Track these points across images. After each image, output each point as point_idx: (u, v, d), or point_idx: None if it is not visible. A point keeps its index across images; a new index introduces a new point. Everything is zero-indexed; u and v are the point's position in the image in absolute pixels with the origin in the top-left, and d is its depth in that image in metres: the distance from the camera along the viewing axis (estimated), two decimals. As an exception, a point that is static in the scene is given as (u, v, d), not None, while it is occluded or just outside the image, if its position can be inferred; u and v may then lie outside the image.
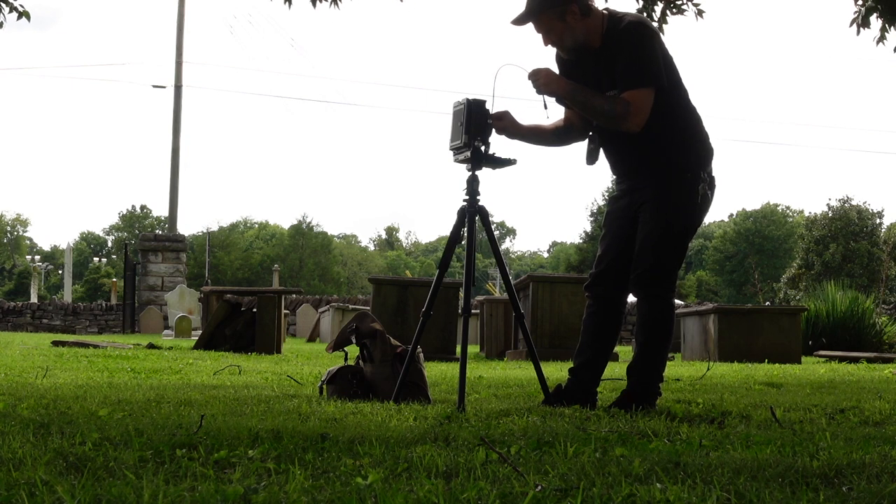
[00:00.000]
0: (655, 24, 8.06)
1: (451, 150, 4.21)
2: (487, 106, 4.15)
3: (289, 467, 2.42)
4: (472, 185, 4.20)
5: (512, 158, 4.22)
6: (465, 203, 4.21)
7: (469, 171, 4.20)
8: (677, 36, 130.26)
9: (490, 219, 4.26)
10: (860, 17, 7.77)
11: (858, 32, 7.79)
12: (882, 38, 7.76)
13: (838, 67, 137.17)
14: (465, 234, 4.20)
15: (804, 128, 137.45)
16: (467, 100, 4.15)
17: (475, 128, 4.13)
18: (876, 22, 7.78)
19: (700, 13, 8.02)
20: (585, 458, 2.58)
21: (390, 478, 2.32)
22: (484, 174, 4.22)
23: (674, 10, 7.98)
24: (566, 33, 4.16)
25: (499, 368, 8.41)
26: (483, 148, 4.15)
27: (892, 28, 7.81)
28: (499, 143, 4.22)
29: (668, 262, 4.16)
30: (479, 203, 4.20)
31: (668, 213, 4.16)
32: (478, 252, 4.40)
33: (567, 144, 4.41)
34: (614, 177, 4.44)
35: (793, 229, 67.26)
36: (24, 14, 7.32)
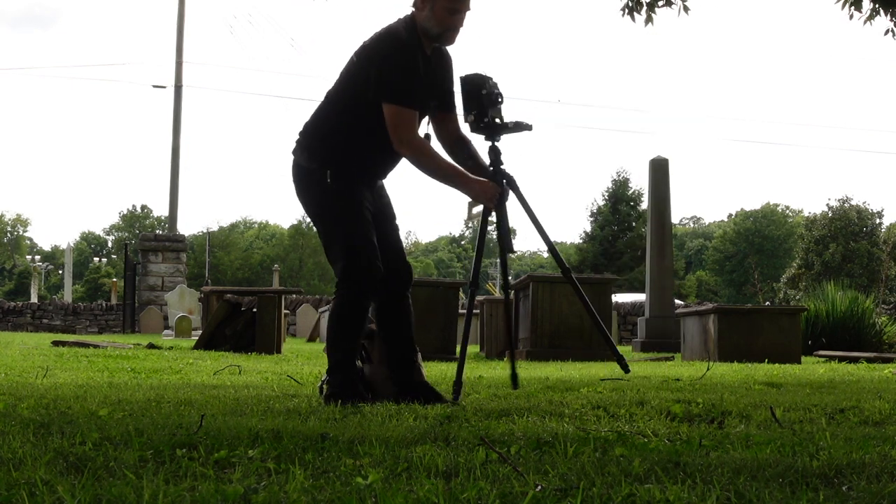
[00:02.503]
0: (643, 17, 8.11)
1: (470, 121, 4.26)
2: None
3: (289, 467, 2.42)
4: (496, 155, 4.26)
5: (528, 123, 4.27)
6: (490, 172, 4.27)
7: (487, 141, 4.26)
8: (677, 35, 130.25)
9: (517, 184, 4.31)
10: (849, 0, 7.82)
11: (851, 16, 7.83)
12: (870, 18, 7.81)
13: (838, 67, 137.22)
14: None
15: (804, 128, 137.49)
16: (478, 74, 4.22)
17: (487, 101, 4.19)
18: (868, 5, 7.83)
19: (686, 9, 8.05)
20: (585, 458, 2.58)
21: (390, 478, 2.32)
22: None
23: (661, 1, 8.01)
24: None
25: (499, 368, 8.42)
26: (497, 120, 4.22)
27: (885, 13, 7.84)
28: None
29: None
30: (505, 171, 4.26)
31: None
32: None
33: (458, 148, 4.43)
34: (372, 177, 4.41)
35: (793, 229, 67.27)
36: None
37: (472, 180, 4.20)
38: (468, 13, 4.21)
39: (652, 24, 8.06)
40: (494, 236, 4.39)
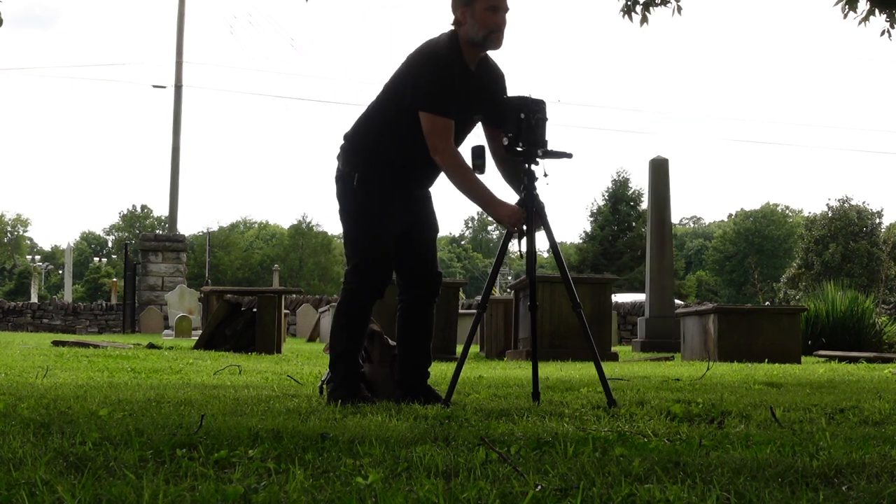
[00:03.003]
0: (637, 17, 8.14)
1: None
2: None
3: (289, 467, 2.43)
4: (530, 179, 4.25)
5: (567, 151, 4.27)
6: (522, 196, 4.27)
7: (524, 164, 4.26)
8: (677, 35, 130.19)
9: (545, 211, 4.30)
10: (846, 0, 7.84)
11: (845, 16, 7.84)
12: (866, 19, 7.83)
13: (838, 67, 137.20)
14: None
15: (804, 128, 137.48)
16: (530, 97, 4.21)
17: (525, 125, 4.20)
18: (864, 5, 7.83)
19: (679, 9, 8.06)
20: (585, 458, 2.58)
21: (390, 478, 2.32)
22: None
23: (659, 1, 8.03)
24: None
25: (499, 368, 8.42)
26: (535, 146, 4.22)
27: (879, 13, 7.85)
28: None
29: None
30: (537, 196, 4.26)
31: None
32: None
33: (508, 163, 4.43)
34: (407, 186, 4.41)
35: (792, 229, 67.28)
36: None
37: (497, 203, 4.23)
38: (508, 13, 4.21)
39: (647, 23, 8.06)
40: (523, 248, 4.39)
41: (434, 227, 4.53)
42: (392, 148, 4.30)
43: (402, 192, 4.37)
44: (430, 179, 4.46)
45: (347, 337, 4.31)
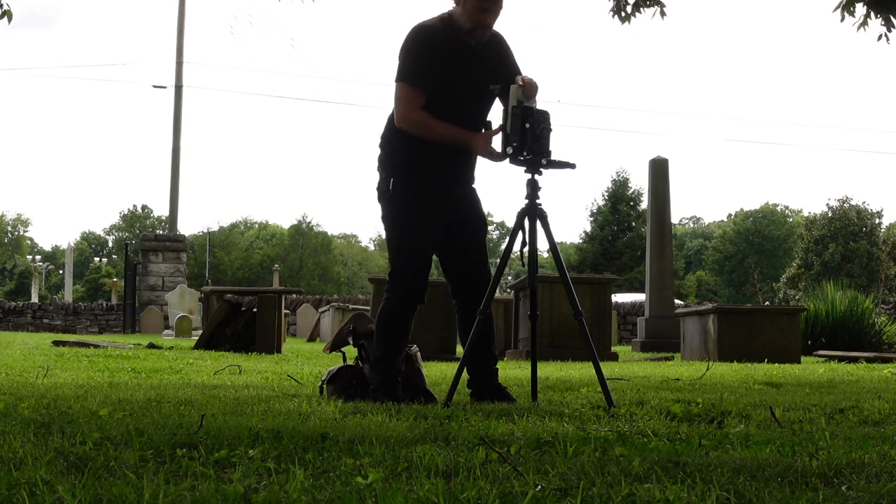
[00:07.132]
0: (624, 16, 8.17)
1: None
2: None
3: (289, 467, 2.43)
4: (533, 189, 4.27)
5: (571, 162, 4.27)
6: (525, 205, 4.30)
7: (526, 174, 4.28)
8: (677, 35, 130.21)
9: (547, 220, 4.33)
10: (842, 4, 7.84)
11: (843, 19, 7.85)
12: (864, 24, 7.84)
13: (837, 67, 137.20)
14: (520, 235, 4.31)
15: (804, 128, 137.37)
16: (526, 107, 4.19)
17: (530, 135, 4.18)
18: (861, 9, 7.84)
19: (663, 14, 8.09)
20: (585, 458, 2.58)
21: (390, 477, 2.32)
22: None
23: (648, 2, 8.05)
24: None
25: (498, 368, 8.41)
26: (539, 156, 4.22)
27: (875, 16, 7.85)
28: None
29: None
30: (539, 205, 4.29)
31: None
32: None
33: None
34: (443, 182, 4.41)
35: (792, 229, 67.23)
36: (6, 13, 7.25)
37: (472, 137, 4.29)
38: (501, 12, 4.30)
39: (629, 23, 8.10)
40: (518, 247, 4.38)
41: (479, 228, 4.53)
42: (413, 144, 4.32)
43: (439, 192, 4.38)
44: (467, 174, 4.46)
45: (385, 345, 4.40)
